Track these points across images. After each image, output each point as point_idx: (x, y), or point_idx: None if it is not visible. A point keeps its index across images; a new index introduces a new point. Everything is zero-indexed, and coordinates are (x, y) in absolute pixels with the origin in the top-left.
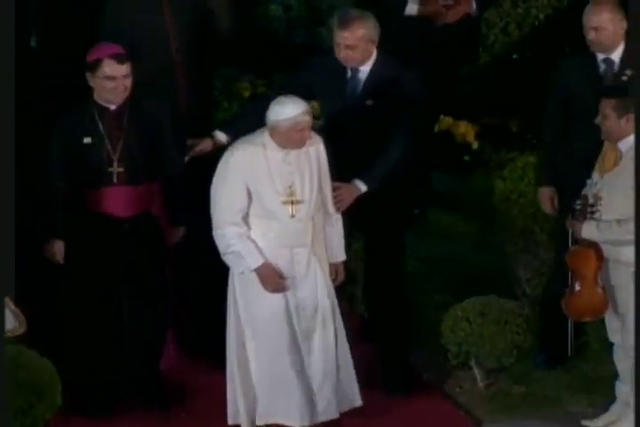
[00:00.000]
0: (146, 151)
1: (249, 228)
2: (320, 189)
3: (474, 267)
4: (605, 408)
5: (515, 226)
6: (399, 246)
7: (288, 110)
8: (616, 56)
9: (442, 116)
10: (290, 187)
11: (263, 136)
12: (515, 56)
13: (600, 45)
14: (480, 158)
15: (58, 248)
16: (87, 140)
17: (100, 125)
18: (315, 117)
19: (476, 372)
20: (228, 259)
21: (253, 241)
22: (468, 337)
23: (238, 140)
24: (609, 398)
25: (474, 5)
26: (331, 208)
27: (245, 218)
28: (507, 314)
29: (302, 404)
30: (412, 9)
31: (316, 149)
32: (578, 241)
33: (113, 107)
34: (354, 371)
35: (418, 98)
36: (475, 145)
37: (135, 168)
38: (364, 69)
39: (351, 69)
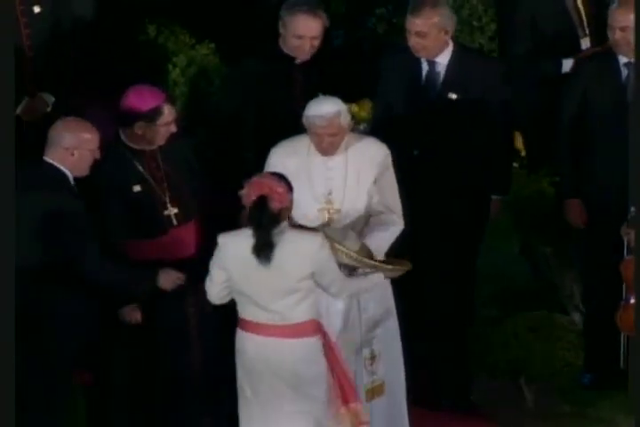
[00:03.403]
0: (187, 184)
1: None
2: (370, 198)
3: (520, 280)
4: None
5: (567, 236)
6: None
7: (320, 107)
8: None
9: None
10: (328, 194)
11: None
12: None
13: (627, 45)
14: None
15: (136, 311)
16: (137, 187)
17: (141, 169)
18: (362, 120)
19: (526, 391)
20: None
21: None
22: (518, 354)
23: (286, 140)
24: None
25: None
26: (389, 218)
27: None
28: (558, 330)
29: None
30: (568, 65)
31: (374, 155)
32: (633, 251)
33: (150, 148)
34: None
35: (508, 90)
36: (523, 152)
37: (186, 205)
38: (442, 61)
39: (428, 63)
